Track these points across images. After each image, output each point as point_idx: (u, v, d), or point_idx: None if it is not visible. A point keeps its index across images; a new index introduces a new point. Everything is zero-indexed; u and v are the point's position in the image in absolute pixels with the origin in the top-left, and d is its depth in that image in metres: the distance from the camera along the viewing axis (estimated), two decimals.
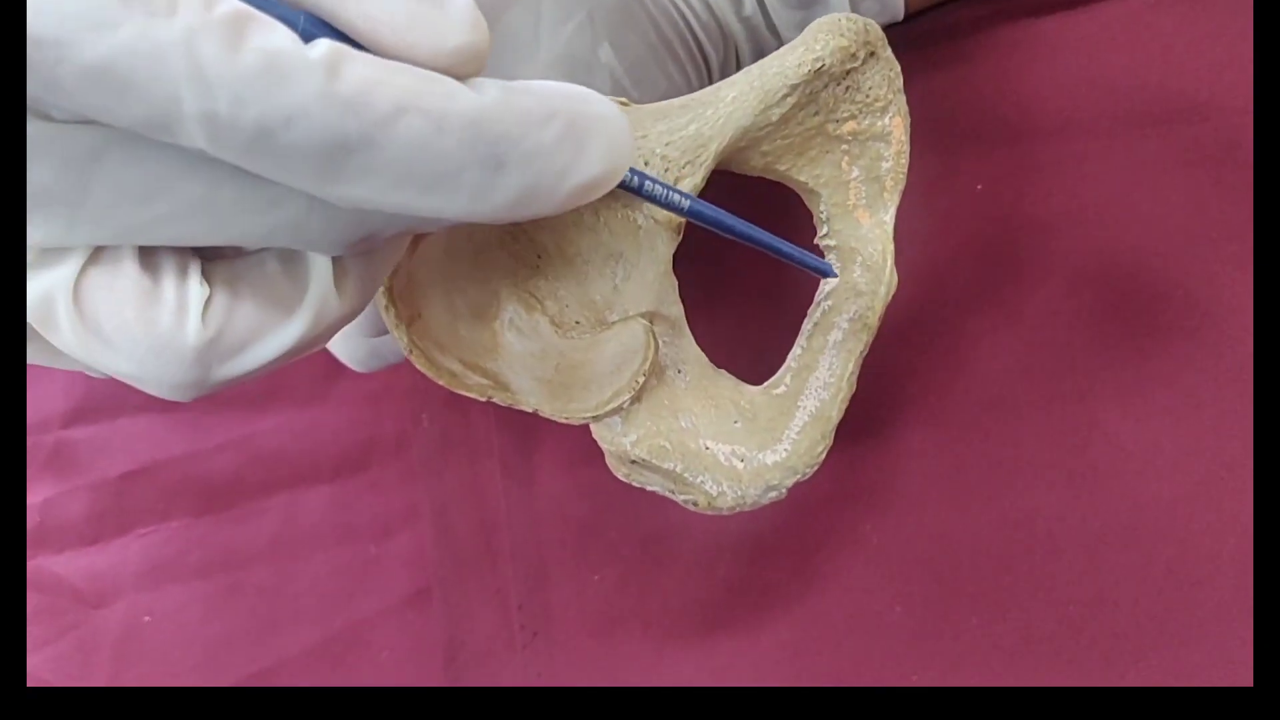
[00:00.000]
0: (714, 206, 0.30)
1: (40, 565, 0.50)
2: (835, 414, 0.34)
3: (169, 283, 0.23)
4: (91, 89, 0.19)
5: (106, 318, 0.22)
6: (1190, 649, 0.35)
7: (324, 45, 0.20)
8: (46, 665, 0.48)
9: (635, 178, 0.28)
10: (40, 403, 0.53)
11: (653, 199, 0.29)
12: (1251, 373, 0.37)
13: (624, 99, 0.31)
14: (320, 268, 0.25)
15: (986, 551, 0.38)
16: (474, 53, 0.22)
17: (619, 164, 0.25)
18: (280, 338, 0.24)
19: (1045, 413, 0.39)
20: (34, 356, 0.25)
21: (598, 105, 0.24)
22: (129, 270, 0.23)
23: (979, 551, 0.38)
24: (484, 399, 0.31)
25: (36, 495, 0.51)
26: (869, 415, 0.40)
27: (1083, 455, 0.38)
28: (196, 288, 0.23)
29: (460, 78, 0.22)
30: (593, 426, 0.33)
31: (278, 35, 0.20)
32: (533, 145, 0.22)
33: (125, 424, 0.51)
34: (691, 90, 0.34)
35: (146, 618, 0.47)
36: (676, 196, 0.29)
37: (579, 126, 0.23)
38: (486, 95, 0.22)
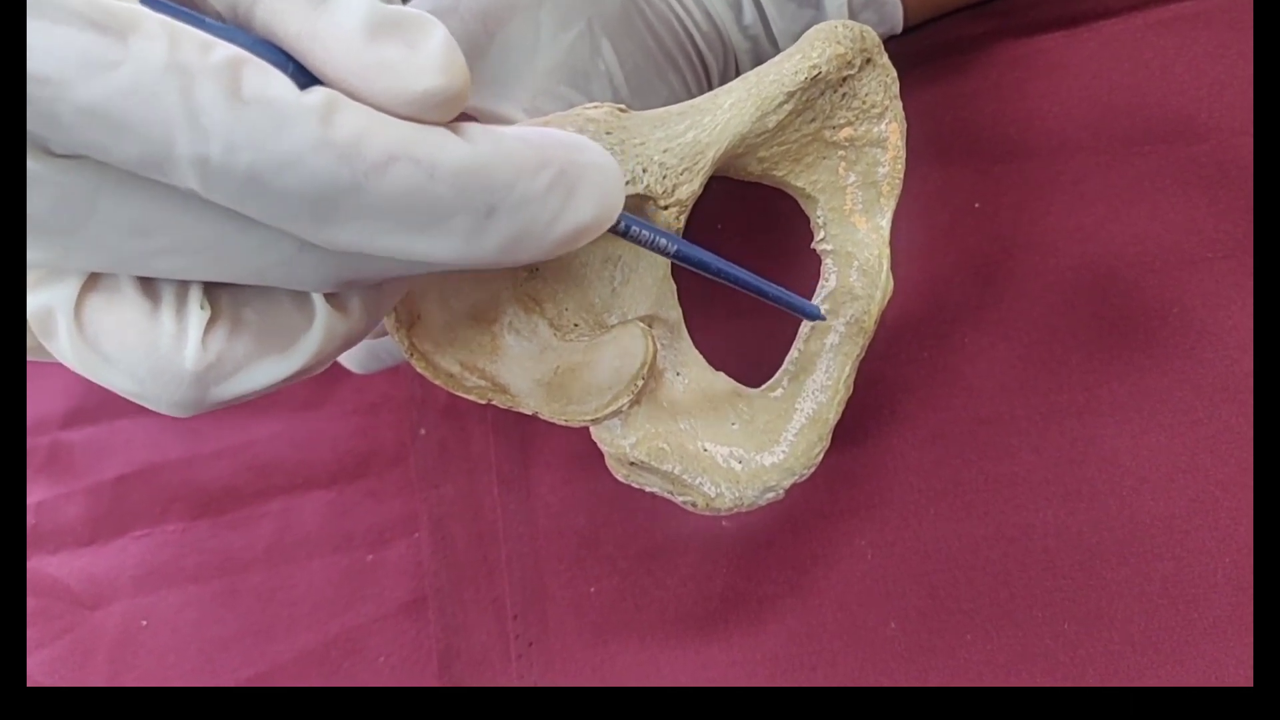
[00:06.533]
0: (700, 249, 0.30)
1: (36, 567, 0.50)
2: (832, 416, 0.34)
3: (168, 306, 0.23)
4: (88, 127, 0.19)
5: (107, 338, 0.23)
6: (1187, 666, 0.35)
7: (320, 93, 0.20)
8: (42, 668, 0.48)
9: (623, 222, 0.28)
10: (38, 403, 0.53)
11: (639, 242, 0.29)
12: (1247, 389, 0.37)
13: (622, 105, 0.31)
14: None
15: (982, 567, 0.38)
16: (444, 98, 0.22)
17: (609, 212, 0.25)
18: (281, 365, 0.24)
19: (1042, 428, 0.39)
20: (34, 354, 0.25)
21: (591, 154, 0.25)
22: (128, 293, 0.23)
23: (975, 567, 0.38)
24: (483, 401, 0.31)
25: (33, 496, 0.51)
26: (866, 430, 0.40)
27: (1079, 471, 0.38)
28: (197, 311, 0.23)
29: (431, 123, 0.22)
30: (592, 429, 0.33)
31: (274, 81, 0.20)
32: (523, 193, 0.23)
33: (124, 426, 0.51)
34: (691, 99, 0.35)
35: (144, 622, 0.47)
36: (663, 240, 0.29)
37: (570, 175, 0.24)
38: (478, 143, 0.22)
